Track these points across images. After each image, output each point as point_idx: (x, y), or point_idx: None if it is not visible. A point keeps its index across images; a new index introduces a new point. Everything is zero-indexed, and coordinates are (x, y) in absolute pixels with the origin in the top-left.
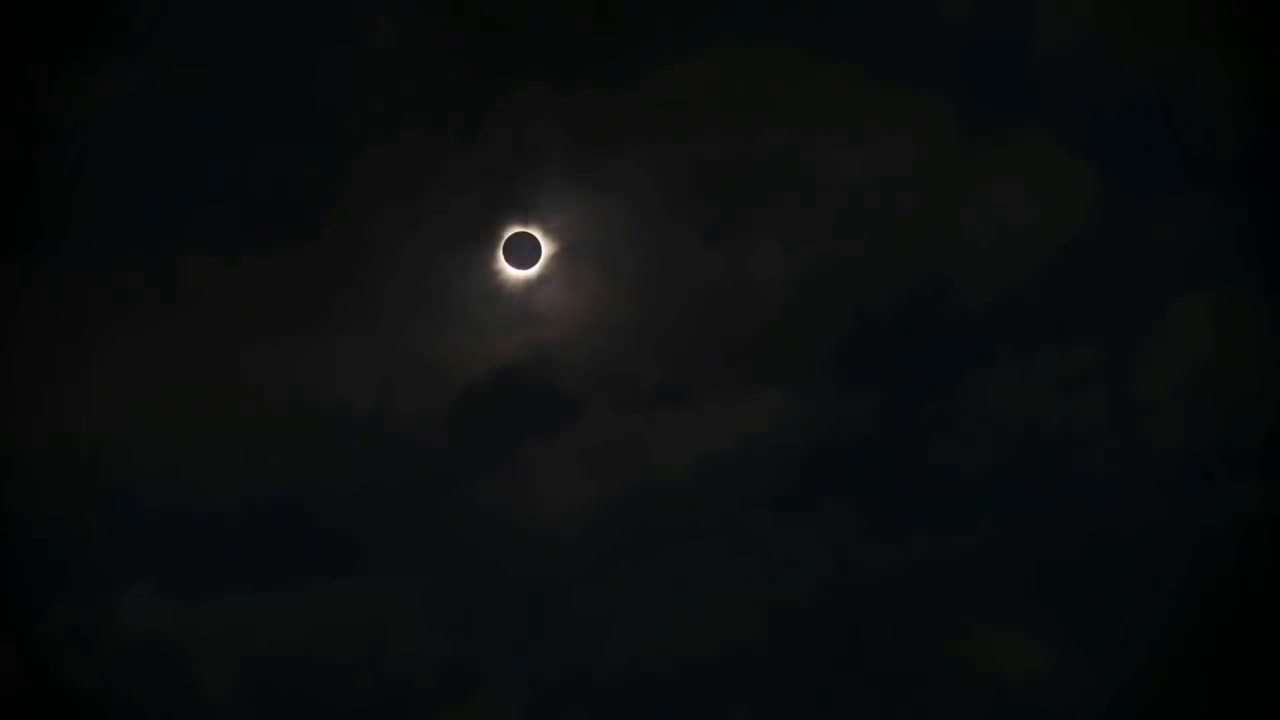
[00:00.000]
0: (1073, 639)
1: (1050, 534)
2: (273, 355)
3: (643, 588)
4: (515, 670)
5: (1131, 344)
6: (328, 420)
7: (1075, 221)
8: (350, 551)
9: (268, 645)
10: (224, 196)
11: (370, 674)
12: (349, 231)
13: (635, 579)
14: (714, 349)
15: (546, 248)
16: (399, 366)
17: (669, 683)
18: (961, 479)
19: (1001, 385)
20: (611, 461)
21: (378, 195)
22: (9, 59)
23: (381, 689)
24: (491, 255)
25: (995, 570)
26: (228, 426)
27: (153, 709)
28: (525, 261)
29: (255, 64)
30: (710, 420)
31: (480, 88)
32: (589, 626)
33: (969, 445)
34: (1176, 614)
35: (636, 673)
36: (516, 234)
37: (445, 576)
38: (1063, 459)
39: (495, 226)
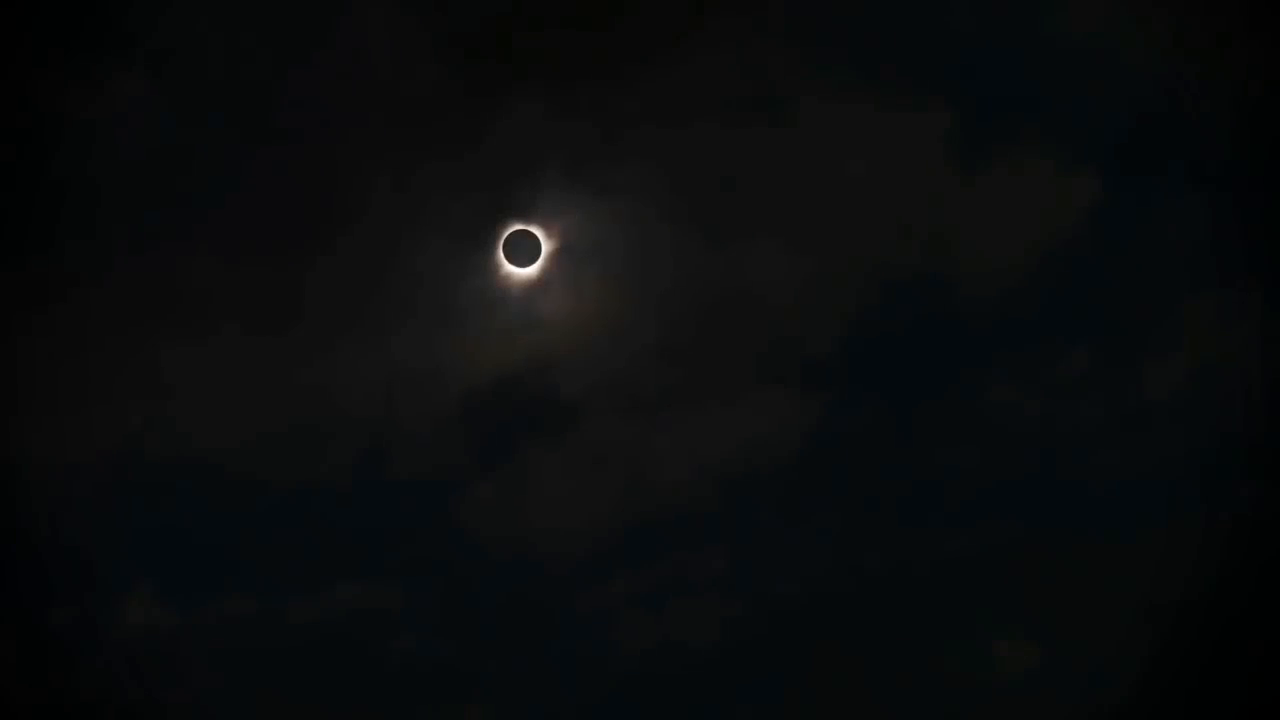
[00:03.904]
0: (1072, 640)
1: (1050, 535)
2: (274, 357)
3: (643, 589)
4: (516, 670)
5: (1132, 345)
6: (327, 421)
7: (1075, 223)
8: (351, 553)
9: (268, 645)
10: (226, 200)
11: (370, 674)
12: (350, 233)
13: (636, 580)
14: (714, 350)
15: (546, 246)
16: (399, 368)
17: (669, 683)
18: (961, 480)
19: (1001, 386)
20: (611, 463)
21: (377, 196)
22: (11, 60)
23: (382, 689)
24: (491, 254)
25: (995, 571)
26: (228, 428)
27: (153, 709)
28: (525, 260)
29: (256, 69)
30: (710, 421)
31: (480, 89)
32: (590, 627)
33: (969, 446)
34: (1176, 615)
35: (637, 673)
36: (516, 232)
37: (445, 578)
38: (1063, 460)
39: (495, 225)
